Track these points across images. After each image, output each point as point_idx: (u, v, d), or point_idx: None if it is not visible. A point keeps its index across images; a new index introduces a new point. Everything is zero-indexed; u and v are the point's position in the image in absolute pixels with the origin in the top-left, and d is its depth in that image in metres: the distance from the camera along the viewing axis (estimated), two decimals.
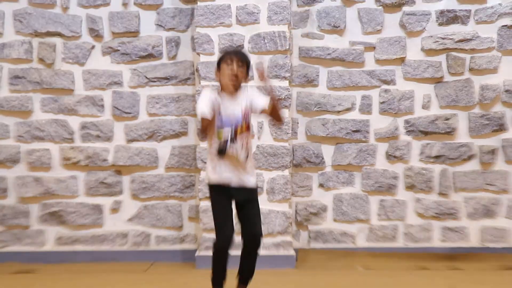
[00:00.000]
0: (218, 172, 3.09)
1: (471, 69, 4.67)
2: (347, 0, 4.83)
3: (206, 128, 3.03)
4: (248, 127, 3.11)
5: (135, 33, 4.81)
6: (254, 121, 4.42)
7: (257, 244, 3.25)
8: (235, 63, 3.09)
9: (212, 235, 3.74)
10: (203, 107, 2.98)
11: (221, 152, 3.05)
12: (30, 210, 4.91)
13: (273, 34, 4.52)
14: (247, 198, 3.17)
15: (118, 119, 4.77)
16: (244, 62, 3.18)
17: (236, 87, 3.13)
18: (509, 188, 4.75)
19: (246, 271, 3.34)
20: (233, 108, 3.09)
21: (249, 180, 3.10)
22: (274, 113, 3.15)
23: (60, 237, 4.86)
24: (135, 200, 4.85)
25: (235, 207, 3.28)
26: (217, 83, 3.30)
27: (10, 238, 4.97)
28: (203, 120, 3.00)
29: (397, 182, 4.80)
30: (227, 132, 3.06)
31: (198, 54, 4.55)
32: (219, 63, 3.23)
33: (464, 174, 4.73)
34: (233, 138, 3.08)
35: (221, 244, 3.21)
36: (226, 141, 3.07)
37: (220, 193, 3.18)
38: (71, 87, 4.80)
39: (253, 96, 3.26)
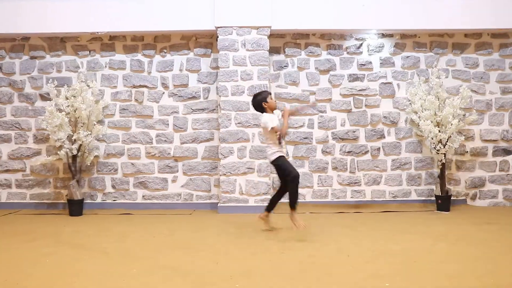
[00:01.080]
0: (280, 150, 4.58)
1: (366, 105, 6.32)
2: (300, 67, 6.31)
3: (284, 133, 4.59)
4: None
5: (186, 85, 6.32)
6: (250, 132, 5.90)
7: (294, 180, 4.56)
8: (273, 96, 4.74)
9: (227, 195, 5.78)
10: (274, 123, 4.51)
11: (280, 142, 4.60)
12: (129, 181, 6.36)
13: (260, 86, 6.00)
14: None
15: (176, 131, 6.31)
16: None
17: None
18: (386, 169, 6.30)
19: (291, 199, 4.57)
20: (277, 119, 4.68)
21: (285, 151, 4.73)
22: (294, 115, 5.05)
23: (144, 195, 6.33)
24: (184, 175, 6.34)
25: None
26: (266, 108, 4.62)
27: (119, 196, 6.36)
28: (276, 129, 4.50)
29: (328, 165, 6.32)
30: (278, 132, 4.59)
31: (220, 96, 6.08)
32: (265, 99, 4.61)
33: (363, 161, 6.33)
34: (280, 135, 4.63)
35: (297, 173, 4.52)
36: (280, 137, 4.58)
37: (282, 156, 4.61)
38: (151, 114, 6.32)
39: (278, 112, 4.75)
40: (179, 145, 6.34)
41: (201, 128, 6.33)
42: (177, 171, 6.35)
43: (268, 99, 4.66)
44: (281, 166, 4.60)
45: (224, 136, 6.00)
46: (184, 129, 6.32)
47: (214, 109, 6.32)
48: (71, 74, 6.39)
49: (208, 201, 6.34)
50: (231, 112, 6.01)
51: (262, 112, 4.73)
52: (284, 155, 4.66)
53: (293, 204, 4.49)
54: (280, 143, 4.62)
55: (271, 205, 4.84)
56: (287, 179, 4.51)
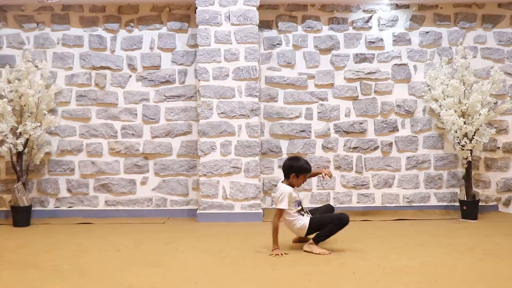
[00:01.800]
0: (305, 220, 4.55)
1: (375, 91, 6.33)
2: (296, 46, 6.32)
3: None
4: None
5: (157, 67, 6.31)
6: (236, 124, 5.96)
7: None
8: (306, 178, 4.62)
9: (208, 199, 5.85)
10: (285, 204, 4.42)
11: (300, 212, 4.55)
12: (88, 183, 6.33)
13: (248, 68, 6.01)
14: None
15: (146, 123, 6.29)
16: None
17: None
18: (400, 168, 6.33)
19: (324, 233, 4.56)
20: (296, 196, 4.55)
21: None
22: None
23: (107, 200, 6.31)
24: (156, 176, 6.33)
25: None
26: (289, 182, 4.52)
27: (75, 201, 6.33)
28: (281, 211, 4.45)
29: (329, 164, 6.34)
30: (298, 209, 4.55)
31: (199, 80, 6.06)
32: (301, 172, 4.51)
33: (371, 159, 6.34)
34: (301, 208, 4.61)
35: (348, 217, 4.55)
36: (300, 211, 4.55)
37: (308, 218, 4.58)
38: (115, 102, 6.30)
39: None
40: (149, 140, 6.32)
41: (177, 119, 6.32)
42: (148, 171, 6.34)
43: (300, 176, 4.56)
44: (321, 224, 4.54)
45: (204, 129, 6.00)
46: (156, 120, 6.32)
47: (192, 96, 6.31)
48: (14, 51, 6.33)
49: (185, 207, 6.35)
50: (212, 99, 6.00)
51: (285, 178, 4.65)
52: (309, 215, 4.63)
53: (321, 239, 4.49)
54: (301, 214, 4.60)
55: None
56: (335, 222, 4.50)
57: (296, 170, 4.54)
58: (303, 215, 4.60)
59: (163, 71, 6.35)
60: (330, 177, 4.66)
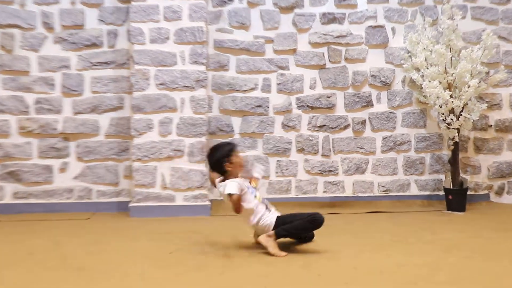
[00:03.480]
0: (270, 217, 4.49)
1: (346, 59, 6.46)
2: (251, 3, 6.38)
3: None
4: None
5: (81, 26, 6.26)
6: (178, 98, 6.00)
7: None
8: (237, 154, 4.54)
9: (143, 189, 5.87)
10: (236, 189, 4.30)
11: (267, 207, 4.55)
12: None
13: (193, 29, 6.02)
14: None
15: (67, 95, 6.24)
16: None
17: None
18: (375, 150, 6.49)
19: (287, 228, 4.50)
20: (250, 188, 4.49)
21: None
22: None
23: (16, 192, 6.25)
24: (79, 162, 6.32)
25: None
26: (229, 171, 4.42)
27: None
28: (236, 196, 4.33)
29: (290, 146, 6.46)
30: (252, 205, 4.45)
31: (133, 43, 6.03)
32: (227, 155, 4.44)
33: (341, 140, 6.47)
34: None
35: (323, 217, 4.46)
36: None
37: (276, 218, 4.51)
38: (27, 69, 6.21)
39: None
40: (71, 117, 6.28)
41: (105, 92, 6.31)
42: (68, 155, 6.31)
43: (233, 157, 4.54)
44: (291, 227, 4.47)
45: (139, 103, 6.00)
46: (79, 93, 6.28)
47: (125, 64, 6.30)
48: None
49: (114, 199, 6.38)
50: (149, 67, 6.02)
51: (223, 175, 4.55)
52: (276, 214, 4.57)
53: (283, 234, 4.44)
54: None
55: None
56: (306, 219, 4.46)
57: (223, 159, 4.50)
58: (270, 210, 4.55)
59: (87, 32, 6.30)
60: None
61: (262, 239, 4.45)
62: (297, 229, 4.46)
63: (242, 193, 4.41)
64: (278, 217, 4.53)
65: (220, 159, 4.50)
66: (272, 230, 4.45)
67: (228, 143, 4.79)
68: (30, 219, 5.94)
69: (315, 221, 4.43)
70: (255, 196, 4.51)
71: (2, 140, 6.22)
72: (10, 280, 3.83)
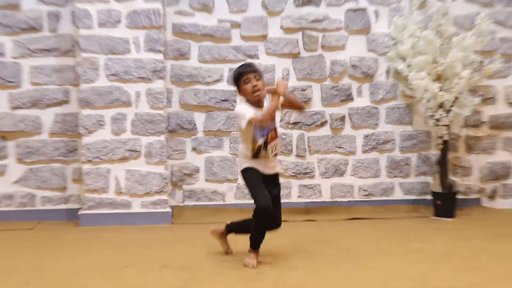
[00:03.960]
0: (253, 165, 4.56)
1: (323, 46, 6.53)
2: None
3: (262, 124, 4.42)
4: (276, 133, 4.58)
5: (16, 6, 6.20)
6: (133, 91, 5.99)
7: (277, 225, 4.69)
8: (253, 79, 4.48)
9: (95, 195, 5.83)
10: (251, 113, 4.37)
11: (255, 156, 4.53)
12: None
13: (148, 11, 6.04)
14: (273, 182, 4.67)
15: (2, 87, 6.22)
16: (258, 74, 4.56)
17: (261, 99, 4.54)
18: (355, 150, 6.57)
19: (251, 237, 4.64)
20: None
21: (275, 170, 4.69)
22: (294, 106, 4.77)
23: None
24: (20, 164, 6.30)
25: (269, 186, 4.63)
26: (241, 100, 4.63)
27: None
28: (254, 119, 4.37)
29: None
30: (260, 141, 4.49)
31: (78, 28, 6.04)
32: (237, 82, 4.57)
33: (317, 138, 6.55)
34: (266, 144, 4.50)
35: (264, 203, 4.43)
36: (259, 147, 4.52)
37: (255, 171, 4.57)
38: None
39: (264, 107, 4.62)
40: (8, 112, 6.29)
41: (48, 83, 6.32)
42: (6, 156, 6.31)
43: (242, 83, 4.57)
44: (246, 183, 4.69)
45: (87, 97, 6.03)
46: (17, 84, 6.28)
47: (69, 51, 6.30)
48: None
49: (62, 206, 6.42)
50: (98, 55, 6.06)
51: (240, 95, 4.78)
52: (259, 170, 4.62)
53: (253, 243, 4.57)
54: (256, 157, 4.58)
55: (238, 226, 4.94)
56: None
57: (233, 82, 4.66)
58: (257, 156, 4.55)
59: (24, 13, 6.28)
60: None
61: (214, 232, 4.75)
62: (256, 232, 4.55)
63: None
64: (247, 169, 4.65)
65: (234, 81, 4.64)
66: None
67: (239, 67, 4.72)
68: None
69: (260, 213, 4.46)
70: (262, 138, 4.52)
71: None
72: None
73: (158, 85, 6.06)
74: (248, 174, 4.63)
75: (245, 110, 4.48)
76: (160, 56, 6.06)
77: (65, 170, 6.36)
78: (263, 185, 4.60)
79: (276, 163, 4.76)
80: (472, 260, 4.61)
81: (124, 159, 6.06)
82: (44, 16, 6.27)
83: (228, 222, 4.85)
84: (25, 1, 6.24)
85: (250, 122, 4.42)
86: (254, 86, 4.45)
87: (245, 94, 4.55)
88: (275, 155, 4.67)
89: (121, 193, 6.08)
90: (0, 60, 6.26)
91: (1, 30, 6.24)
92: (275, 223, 4.65)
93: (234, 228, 4.87)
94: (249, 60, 6.39)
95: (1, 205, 6.30)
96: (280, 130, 6.19)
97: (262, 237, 4.61)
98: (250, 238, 4.57)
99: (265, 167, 4.62)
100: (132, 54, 6.02)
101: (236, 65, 6.08)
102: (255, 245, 4.56)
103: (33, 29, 6.25)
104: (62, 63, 6.27)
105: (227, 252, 4.87)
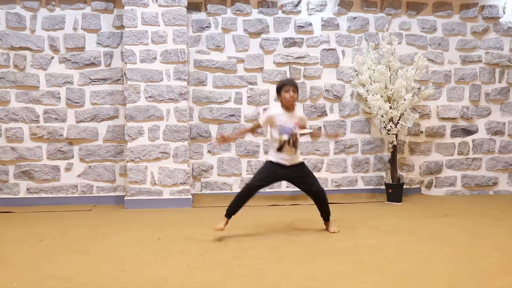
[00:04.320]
0: (277, 157, 4.46)
1: (304, 76, 6.44)
2: (225, 29, 6.32)
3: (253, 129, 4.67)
4: (296, 136, 4.48)
5: (82, 48, 6.16)
6: (164, 108, 5.90)
7: (324, 194, 4.68)
8: (291, 91, 4.46)
9: (136, 186, 5.79)
10: (262, 117, 4.51)
11: (280, 149, 4.45)
12: (8, 169, 6.16)
13: (176, 51, 5.99)
14: (300, 171, 4.55)
15: (70, 107, 6.14)
16: (296, 89, 4.53)
17: (293, 107, 4.52)
18: (328, 152, 6.48)
19: (326, 211, 4.71)
20: (290, 121, 4.47)
21: (298, 160, 4.55)
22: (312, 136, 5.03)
23: (29, 187, 6.15)
24: (82, 162, 6.23)
25: (293, 183, 4.65)
26: (279, 103, 4.54)
27: None
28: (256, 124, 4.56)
29: (259, 149, 6.41)
30: (285, 137, 4.42)
31: (126, 63, 5.98)
32: (279, 90, 4.53)
33: (300, 143, 5.97)
34: (289, 141, 4.44)
35: (253, 183, 4.50)
36: (284, 142, 4.44)
37: (272, 168, 4.49)
38: (37, 85, 6.10)
39: (301, 115, 4.63)
40: (74, 124, 6.19)
41: (103, 103, 6.22)
42: (72, 157, 6.23)
43: (283, 91, 4.52)
44: (259, 169, 4.67)
45: (131, 113, 5.95)
46: (81, 104, 6.18)
47: (119, 80, 6.23)
48: None
49: (112, 194, 6.31)
50: (140, 83, 5.95)
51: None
52: (281, 163, 4.50)
53: (227, 211, 4.48)
54: (280, 150, 4.48)
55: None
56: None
57: (276, 89, 4.59)
58: (281, 150, 4.47)
59: (87, 53, 6.20)
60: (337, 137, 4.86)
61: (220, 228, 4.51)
62: (238, 203, 4.50)
63: (267, 124, 4.53)
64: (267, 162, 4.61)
65: (276, 92, 4.60)
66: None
67: (285, 80, 4.66)
68: (40, 210, 5.90)
69: (243, 188, 4.57)
70: (280, 135, 4.45)
71: (17, 144, 6.12)
72: (23, 262, 3.87)
73: (183, 104, 5.97)
74: (268, 165, 4.54)
75: (267, 112, 4.62)
76: (184, 83, 5.97)
77: (114, 167, 6.27)
78: (263, 176, 4.54)
79: (298, 155, 4.56)
80: (415, 233, 4.61)
81: (157, 159, 5.96)
82: (102, 55, 6.18)
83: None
84: (88, 45, 6.16)
85: (257, 122, 4.60)
86: (291, 96, 4.43)
87: (282, 100, 4.51)
88: (296, 148, 4.49)
89: (155, 184, 5.98)
90: (69, 87, 6.14)
91: (71, 65, 6.14)
92: (323, 195, 4.66)
93: (231, 212, 4.54)
94: (250, 86, 6.31)
95: (68, 193, 6.20)
96: None
97: (235, 208, 4.49)
98: (235, 204, 4.47)
99: (288, 158, 4.47)
100: (164, 82, 5.93)
101: (241, 90, 6.34)
102: (227, 213, 4.44)
103: (93, 64, 6.17)
104: (113, 89, 6.18)
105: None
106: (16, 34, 6.10)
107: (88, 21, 6.16)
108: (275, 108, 4.62)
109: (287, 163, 4.49)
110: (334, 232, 4.64)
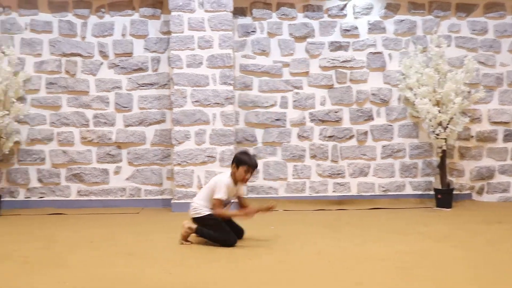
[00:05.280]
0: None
1: (350, 80, 6.34)
2: (271, 33, 6.29)
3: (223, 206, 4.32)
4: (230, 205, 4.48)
5: (130, 54, 6.22)
6: (210, 113, 5.94)
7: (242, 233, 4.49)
8: (251, 174, 4.34)
9: (182, 189, 5.77)
10: (223, 196, 4.25)
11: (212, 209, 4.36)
12: (60, 172, 6.25)
13: (222, 55, 5.98)
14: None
15: (119, 111, 6.22)
16: (255, 171, 4.45)
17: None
18: (375, 157, 6.36)
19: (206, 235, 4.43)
20: (234, 192, 4.43)
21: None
22: (241, 204, 4.56)
23: (80, 190, 6.24)
24: (130, 166, 6.28)
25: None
26: (231, 173, 4.33)
27: (47, 191, 6.24)
28: (221, 201, 4.26)
29: (305, 153, 6.34)
30: (226, 205, 4.42)
31: (172, 68, 6.00)
32: (240, 163, 4.31)
33: (347, 148, 6.36)
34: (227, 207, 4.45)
35: (232, 243, 4.28)
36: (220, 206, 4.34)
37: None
38: (87, 90, 6.20)
39: (240, 188, 4.51)
40: (122, 129, 6.25)
41: (150, 108, 6.26)
42: (121, 160, 6.28)
43: (241, 169, 4.34)
44: (212, 226, 4.38)
45: (178, 118, 5.96)
46: (129, 109, 6.24)
47: (166, 84, 6.25)
48: None
49: (159, 197, 6.32)
50: (186, 87, 5.97)
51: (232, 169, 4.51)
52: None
53: (201, 235, 4.38)
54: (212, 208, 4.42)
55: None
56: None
57: (235, 160, 4.40)
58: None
59: (135, 59, 6.26)
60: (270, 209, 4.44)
61: (187, 224, 4.41)
62: (210, 238, 4.33)
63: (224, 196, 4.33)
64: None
65: (234, 159, 4.40)
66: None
67: (251, 159, 4.40)
68: (90, 213, 5.96)
69: (225, 244, 4.27)
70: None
71: (68, 148, 6.22)
72: (75, 263, 3.88)
73: (229, 108, 5.95)
74: (213, 218, 4.34)
75: (224, 189, 4.29)
76: (230, 88, 5.95)
77: (161, 171, 6.29)
78: (223, 224, 4.39)
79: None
80: (466, 240, 4.43)
81: (203, 162, 5.95)
82: (149, 60, 6.23)
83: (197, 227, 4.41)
84: (136, 50, 6.23)
85: (217, 201, 4.29)
86: (248, 179, 4.34)
87: (237, 177, 4.33)
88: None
89: (201, 188, 5.91)
90: (118, 92, 6.22)
91: (120, 70, 6.22)
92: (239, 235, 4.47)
93: (201, 233, 4.41)
94: (295, 90, 6.25)
95: (117, 195, 6.25)
96: (319, 142, 6.24)
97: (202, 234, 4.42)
98: (203, 232, 4.32)
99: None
100: (210, 86, 5.93)
101: (286, 94, 6.24)
102: (198, 233, 4.37)
103: (141, 69, 6.23)
104: (160, 93, 6.22)
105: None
106: (67, 41, 6.22)
107: (136, 27, 6.22)
108: (226, 178, 4.37)
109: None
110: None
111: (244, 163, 4.33)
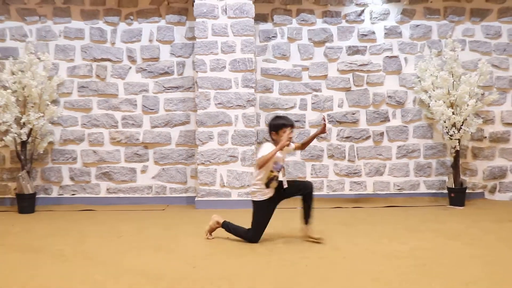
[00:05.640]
0: (267, 194, 4.30)
1: (367, 83, 6.41)
2: (291, 38, 6.38)
3: (266, 162, 4.17)
4: (284, 170, 4.43)
5: (156, 59, 6.36)
6: (233, 114, 5.97)
7: (311, 193, 4.41)
8: (291, 131, 4.29)
9: (206, 187, 5.85)
10: (265, 152, 4.15)
11: (268, 184, 4.29)
12: (90, 171, 6.41)
13: (244, 60, 6.07)
14: (284, 189, 4.38)
15: (146, 113, 6.35)
16: (293, 127, 4.36)
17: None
18: (391, 157, 6.41)
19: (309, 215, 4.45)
20: (281, 158, 4.36)
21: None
22: (306, 145, 4.63)
23: (109, 188, 6.39)
24: (156, 165, 6.41)
25: (281, 198, 4.40)
26: (273, 143, 4.30)
27: (78, 189, 6.39)
28: (266, 158, 4.14)
29: (323, 153, 6.42)
30: (275, 173, 4.30)
31: (197, 72, 6.11)
32: (279, 128, 4.28)
33: (363, 148, 6.44)
34: (277, 176, 4.31)
35: (256, 241, 4.33)
36: (272, 178, 4.29)
37: (269, 205, 4.34)
38: (116, 93, 6.35)
39: (285, 151, 4.43)
40: (149, 130, 6.38)
41: (175, 110, 6.39)
42: (147, 159, 6.40)
43: (281, 132, 4.32)
44: (256, 214, 4.43)
45: (202, 119, 6.06)
46: (155, 111, 6.37)
47: (190, 87, 6.37)
48: (17, 44, 6.37)
49: (183, 194, 6.43)
50: (210, 90, 6.06)
51: (270, 138, 4.47)
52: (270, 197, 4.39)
53: (230, 230, 4.48)
54: (268, 185, 4.35)
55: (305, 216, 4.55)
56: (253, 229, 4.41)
57: (272, 127, 4.36)
58: (268, 186, 4.33)
59: (162, 63, 6.39)
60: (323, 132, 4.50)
61: (215, 218, 4.51)
62: (236, 234, 4.44)
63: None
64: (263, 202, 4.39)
65: (271, 127, 4.37)
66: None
67: (284, 119, 4.41)
68: (118, 209, 6.10)
69: (250, 241, 4.35)
70: (278, 171, 4.35)
71: (98, 148, 6.36)
72: (104, 257, 4.02)
73: (250, 110, 6.05)
74: (264, 207, 4.37)
75: (266, 150, 4.20)
76: (252, 90, 6.04)
77: (186, 170, 6.41)
78: (266, 223, 4.41)
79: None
80: (479, 237, 4.51)
81: (226, 162, 6.05)
82: (175, 64, 6.35)
83: (226, 221, 4.56)
84: (162, 55, 6.36)
85: (259, 159, 4.25)
86: (291, 138, 4.30)
87: (279, 140, 4.27)
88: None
89: (224, 186, 6.07)
90: (145, 95, 6.34)
91: (147, 74, 6.35)
92: (308, 189, 4.39)
93: (227, 227, 4.53)
94: (314, 93, 6.33)
95: (144, 193, 6.39)
96: (336, 142, 6.33)
97: (230, 230, 4.51)
98: (230, 227, 4.43)
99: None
100: (233, 89, 6.02)
101: (305, 97, 6.33)
102: (225, 228, 4.48)
103: (167, 73, 6.35)
104: (185, 96, 6.34)
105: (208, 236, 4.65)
106: (98, 47, 6.37)
107: (162, 33, 6.36)
108: (268, 145, 4.32)
109: (274, 194, 4.39)
110: (317, 240, 4.39)
111: (282, 126, 4.30)
